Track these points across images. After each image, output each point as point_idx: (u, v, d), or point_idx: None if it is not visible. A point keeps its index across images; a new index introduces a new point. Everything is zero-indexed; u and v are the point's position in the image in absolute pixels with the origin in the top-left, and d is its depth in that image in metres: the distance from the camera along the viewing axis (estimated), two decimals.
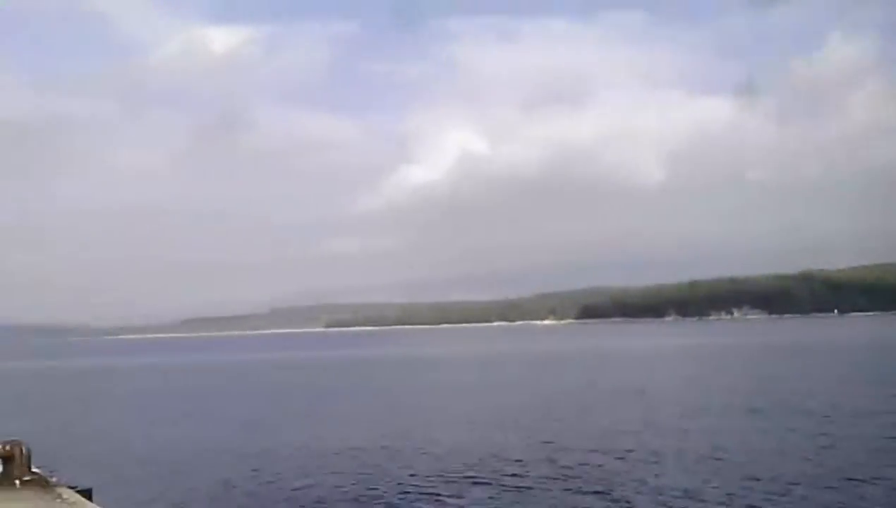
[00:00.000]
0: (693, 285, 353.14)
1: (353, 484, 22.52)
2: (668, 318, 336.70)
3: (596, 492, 20.37)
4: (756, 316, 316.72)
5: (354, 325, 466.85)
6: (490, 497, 20.33)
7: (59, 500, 11.05)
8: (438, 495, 20.85)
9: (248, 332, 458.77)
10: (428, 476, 23.19)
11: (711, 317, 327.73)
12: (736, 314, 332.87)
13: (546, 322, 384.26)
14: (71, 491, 11.67)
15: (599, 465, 23.83)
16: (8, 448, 12.14)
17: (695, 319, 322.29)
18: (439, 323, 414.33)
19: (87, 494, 11.99)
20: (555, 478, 22.14)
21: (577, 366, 75.72)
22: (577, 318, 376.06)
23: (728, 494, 19.70)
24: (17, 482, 11.91)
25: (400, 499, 20.56)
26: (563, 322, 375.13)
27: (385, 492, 21.43)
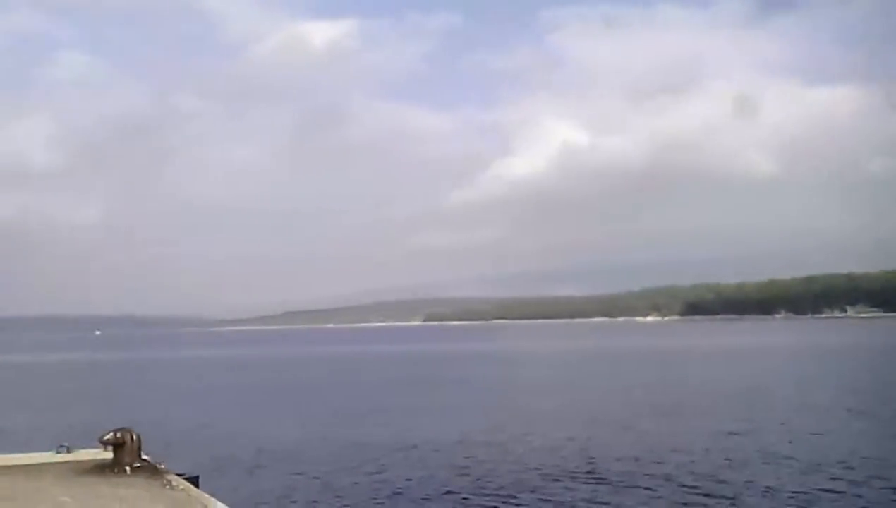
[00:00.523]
0: (809, 280, 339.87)
1: (449, 478, 22.45)
2: (777, 316, 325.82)
3: (706, 494, 19.77)
4: (871, 315, 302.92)
5: (453, 319, 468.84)
6: (594, 493, 19.97)
7: (168, 487, 11.32)
8: (535, 489, 20.61)
9: (348, 325, 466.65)
10: (525, 472, 22.95)
11: (824, 315, 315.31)
12: (850, 311, 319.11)
13: (649, 318, 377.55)
14: (179, 478, 11.95)
15: (707, 466, 23.13)
16: (119, 435, 12.52)
17: (807, 316, 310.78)
18: (537, 318, 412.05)
19: (194, 481, 12.27)
20: (660, 477, 21.59)
21: (682, 365, 73.99)
22: (681, 315, 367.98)
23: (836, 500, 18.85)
24: (128, 468, 12.28)
25: (496, 494, 20.40)
26: (666, 319, 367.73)
27: (478, 486, 21.31)
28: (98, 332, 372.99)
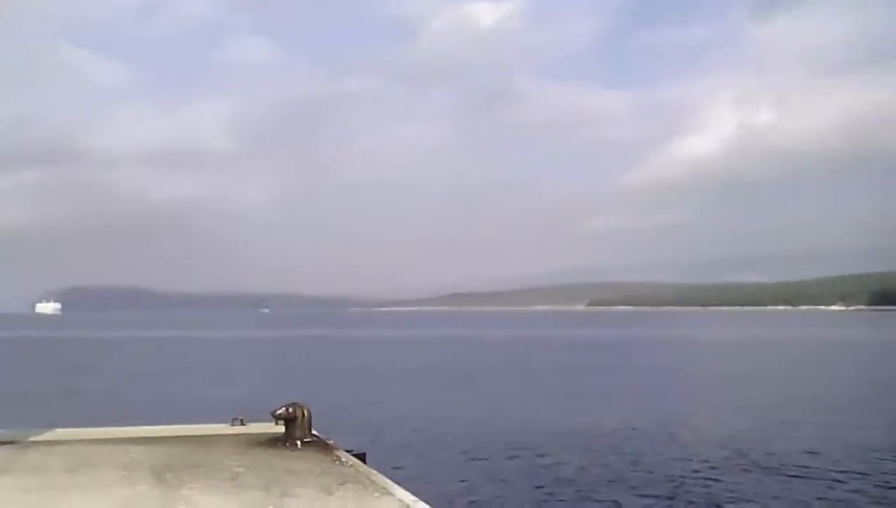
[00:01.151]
0: None
1: (616, 465, 21.93)
2: None
3: None
4: None
5: (619, 305, 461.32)
6: (771, 487, 18.94)
7: (337, 462, 11.51)
8: (708, 480, 19.76)
9: (512, 308, 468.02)
10: (695, 461, 22.08)
11: None
12: None
13: (834, 307, 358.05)
14: (348, 454, 12.14)
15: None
16: (291, 410, 12.87)
17: None
18: (712, 306, 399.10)
19: (361, 458, 12.43)
20: (849, 474, 20.22)
21: (871, 358, 69.53)
22: (868, 305, 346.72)
23: None
24: (299, 443, 12.59)
25: (667, 483, 19.70)
26: (852, 308, 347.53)
27: (648, 475, 20.67)
28: (266, 310, 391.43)
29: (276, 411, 12.97)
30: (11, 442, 12.64)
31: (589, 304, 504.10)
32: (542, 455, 23.51)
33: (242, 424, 14.53)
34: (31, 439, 12.98)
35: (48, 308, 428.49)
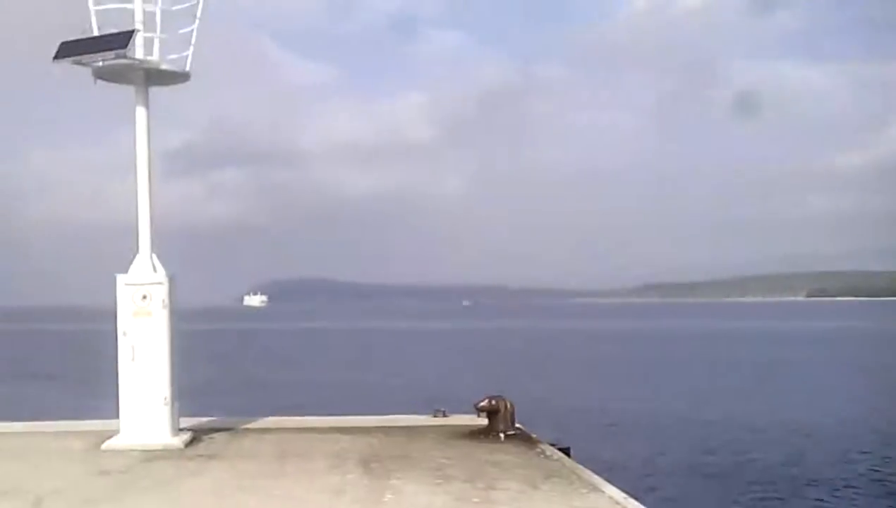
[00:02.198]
0: None
1: (824, 466, 20.86)
2: None
3: None
4: None
5: (842, 295, 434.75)
6: None
7: (542, 456, 11.46)
8: None
9: (716, 300, 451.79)
10: None
11: None
12: None
13: None
14: (552, 448, 12.06)
15: None
16: (493, 402, 12.95)
17: None
18: None
19: (565, 452, 12.32)
20: None
21: None
22: None
23: None
24: (502, 435, 12.64)
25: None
26: None
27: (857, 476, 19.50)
28: (466, 302, 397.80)
29: (478, 403, 13.10)
30: (226, 429, 13.48)
31: (808, 295, 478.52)
32: (745, 452, 22.78)
33: (445, 416, 14.78)
34: (243, 426, 13.78)
35: (255, 300, 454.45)
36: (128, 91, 11.97)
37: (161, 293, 11.95)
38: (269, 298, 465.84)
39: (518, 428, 13.09)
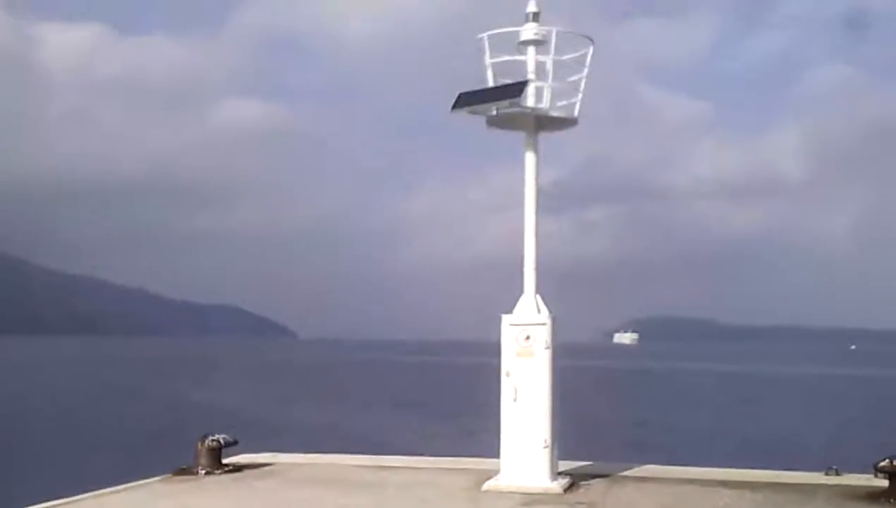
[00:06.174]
0: None
1: None
2: None
3: None
4: None
5: None
6: None
7: None
8: None
9: None
10: None
11: None
12: None
13: None
14: None
15: None
16: (895, 463, 11.99)
17: None
18: None
19: None
20: None
21: None
22: None
23: None
24: None
25: None
26: None
27: None
28: (853, 346, 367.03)
29: (878, 462, 12.20)
30: (604, 475, 13.63)
31: None
32: None
33: (837, 474, 13.92)
34: (621, 473, 13.87)
35: (626, 338, 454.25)
36: (514, 136, 12.72)
37: (544, 334, 12.22)
38: (640, 336, 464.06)
39: None
